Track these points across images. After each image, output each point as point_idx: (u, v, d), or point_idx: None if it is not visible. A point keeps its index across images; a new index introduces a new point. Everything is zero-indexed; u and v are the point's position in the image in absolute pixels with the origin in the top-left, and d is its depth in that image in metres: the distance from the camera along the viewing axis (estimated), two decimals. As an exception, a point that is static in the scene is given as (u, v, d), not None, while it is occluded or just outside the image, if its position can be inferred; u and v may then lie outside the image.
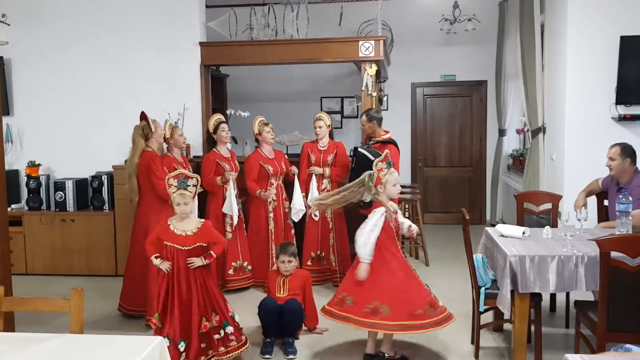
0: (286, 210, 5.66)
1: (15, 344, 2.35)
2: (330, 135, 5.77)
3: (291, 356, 4.13)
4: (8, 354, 2.26)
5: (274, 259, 5.46)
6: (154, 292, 4.13)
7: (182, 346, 3.65)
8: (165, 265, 3.73)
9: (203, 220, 3.89)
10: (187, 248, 3.72)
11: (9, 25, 4.03)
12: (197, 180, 3.78)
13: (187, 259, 3.71)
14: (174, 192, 3.70)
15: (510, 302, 3.68)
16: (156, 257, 3.80)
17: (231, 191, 5.39)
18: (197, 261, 3.73)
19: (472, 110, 8.77)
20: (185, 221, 3.77)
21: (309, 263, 5.66)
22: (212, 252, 3.80)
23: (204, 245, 3.79)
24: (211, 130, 5.57)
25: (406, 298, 3.71)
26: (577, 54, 5.63)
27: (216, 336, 3.79)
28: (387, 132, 5.56)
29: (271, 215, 5.60)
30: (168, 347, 3.25)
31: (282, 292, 4.36)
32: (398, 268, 3.81)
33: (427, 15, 8.12)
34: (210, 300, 3.81)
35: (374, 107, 6.13)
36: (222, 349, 3.81)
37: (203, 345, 3.78)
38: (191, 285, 3.74)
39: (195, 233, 3.75)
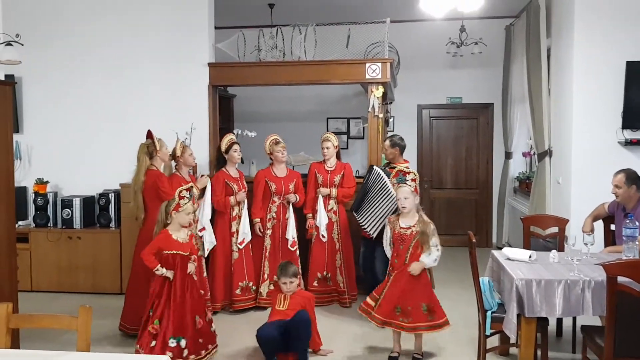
0: (287, 233, 5.60)
1: (21, 362, 2.36)
2: (338, 156, 5.79)
3: None
4: (14, 371, 2.26)
5: (265, 276, 5.51)
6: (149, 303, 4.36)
7: (183, 343, 3.96)
8: (170, 274, 4.03)
9: (189, 230, 4.28)
10: (187, 253, 4.11)
11: (22, 45, 4.10)
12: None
13: (188, 267, 4.09)
14: (186, 203, 4.08)
15: (517, 326, 3.66)
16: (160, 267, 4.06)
17: (245, 212, 5.45)
18: (191, 266, 4.13)
19: (478, 132, 8.80)
20: (182, 230, 4.15)
21: (315, 284, 5.63)
22: (195, 256, 4.22)
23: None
24: (223, 149, 5.58)
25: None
26: (584, 79, 5.66)
27: (212, 329, 4.27)
28: (406, 161, 5.60)
29: (269, 232, 5.61)
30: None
31: (282, 306, 4.32)
32: None
33: (433, 38, 8.18)
34: (200, 301, 4.22)
35: (380, 128, 6.16)
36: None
37: (200, 340, 4.11)
38: (185, 288, 4.07)
39: (189, 240, 4.19)
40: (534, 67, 6.42)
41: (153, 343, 3.94)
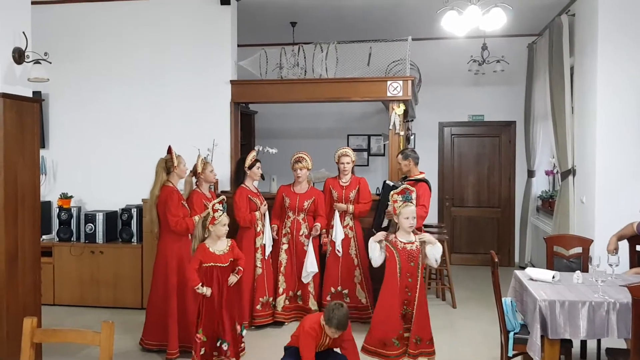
0: (304, 248, 5.60)
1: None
2: (352, 171, 5.79)
3: None
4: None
5: (280, 291, 5.57)
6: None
7: (225, 346, 4.20)
8: (208, 291, 4.18)
9: (229, 239, 4.41)
10: (225, 265, 4.25)
11: (50, 63, 4.19)
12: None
13: (229, 279, 4.25)
14: (220, 216, 4.22)
15: (540, 347, 3.60)
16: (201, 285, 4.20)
17: (267, 223, 5.50)
18: (233, 278, 4.29)
19: (500, 150, 8.74)
20: (219, 242, 4.28)
21: (328, 298, 5.60)
22: (240, 267, 4.35)
23: (233, 260, 4.34)
24: (247, 165, 5.60)
25: None
26: (608, 97, 5.60)
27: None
28: (422, 172, 5.57)
29: (284, 246, 5.63)
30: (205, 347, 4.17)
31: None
32: None
33: (455, 55, 8.18)
34: (238, 311, 4.44)
35: (401, 146, 6.15)
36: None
37: (242, 345, 4.45)
38: (223, 298, 4.24)
39: (229, 251, 4.31)
40: (556, 85, 6.38)
41: (203, 350, 4.19)
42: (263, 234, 5.51)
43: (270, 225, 5.59)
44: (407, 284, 4.14)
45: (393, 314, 4.11)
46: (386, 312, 4.14)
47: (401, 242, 4.16)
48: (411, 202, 4.18)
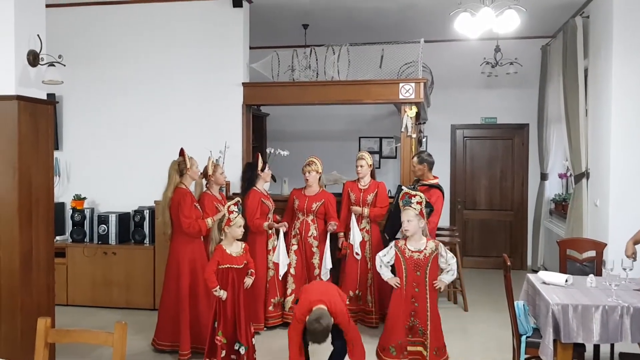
0: (312, 249, 5.61)
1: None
2: (372, 175, 5.78)
3: None
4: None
5: (289, 291, 5.59)
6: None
7: (242, 349, 4.22)
8: (225, 295, 4.21)
9: (243, 243, 4.44)
10: (240, 267, 4.29)
11: (64, 65, 4.22)
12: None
13: (245, 281, 4.29)
14: (235, 217, 4.26)
15: (553, 351, 3.57)
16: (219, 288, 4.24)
17: (281, 241, 5.42)
18: (249, 280, 4.33)
19: (513, 153, 8.69)
20: (234, 244, 4.32)
21: (347, 302, 5.59)
22: (252, 270, 4.39)
23: (247, 263, 4.37)
24: (259, 167, 5.62)
25: None
26: (622, 99, 5.55)
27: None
28: (436, 177, 5.56)
29: (294, 247, 5.64)
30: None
31: None
32: None
33: (468, 58, 8.15)
34: (253, 313, 4.42)
35: (413, 148, 6.14)
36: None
37: (255, 348, 4.40)
38: (240, 300, 4.26)
39: (244, 253, 4.35)
40: (570, 87, 6.33)
41: (223, 353, 4.21)
42: (275, 236, 5.50)
43: (280, 222, 5.55)
44: (413, 294, 4.16)
45: (397, 323, 4.16)
46: (392, 319, 4.21)
47: (409, 250, 4.17)
48: (409, 207, 4.20)
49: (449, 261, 4.21)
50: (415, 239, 4.21)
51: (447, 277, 4.23)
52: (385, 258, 4.30)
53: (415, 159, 5.59)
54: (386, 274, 4.31)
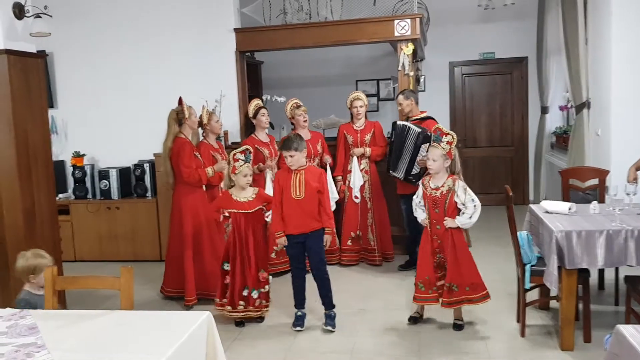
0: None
1: (69, 320, 2.43)
2: (365, 115, 5.74)
3: (329, 327, 4.19)
4: (64, 328, 2.33)
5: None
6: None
7: (255, 294, 4.32)
8: (230, 227, 4.35)
9: (256, 188, 4.48)
10: (250, 211, 4.30)
11: (51, 16, 4.13)
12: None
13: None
14: (241, 166, 4.23)
15: (558, 278, 3.60)
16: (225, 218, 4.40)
17: (268, 182, 5.40)
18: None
19: (512, 88, 8.59)
20: (244, 190, 4.32)
21: (349, 243, 5.69)
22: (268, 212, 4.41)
23: (262, 207, 4.37)
24: (251, 115, 5.59)
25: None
26: (623, 26, 5.43)
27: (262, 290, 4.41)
28: (423, 112, 5.53)
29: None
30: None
31: (298, 193, 4.14)
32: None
33: (463, -9, 7.96)
34: (263, 258, 4.42)
35: (411, 87, 6.06)
36: (258, 302, 4.39)
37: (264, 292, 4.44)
38: (250, 245, 4.30)
39: (254, 198, 4.33)
40: (569, 16, 6.19)
41: (227, 279, 4.33)
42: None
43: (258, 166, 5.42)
44: (435, 232, 4.11)
45: (424, 260, 4.14)
46: (420, 257, 4.19)
47: (430, 187, 4.11)
48: (438, 145, 4.00)
49: (467, 203, 4.00)
50: (439, 176, 4.07)
51: (459, 219, 4.01)
52: (417, 199, 4.22)
53: (400, 96, 5.52)
54: (420, 216, 4.23)
